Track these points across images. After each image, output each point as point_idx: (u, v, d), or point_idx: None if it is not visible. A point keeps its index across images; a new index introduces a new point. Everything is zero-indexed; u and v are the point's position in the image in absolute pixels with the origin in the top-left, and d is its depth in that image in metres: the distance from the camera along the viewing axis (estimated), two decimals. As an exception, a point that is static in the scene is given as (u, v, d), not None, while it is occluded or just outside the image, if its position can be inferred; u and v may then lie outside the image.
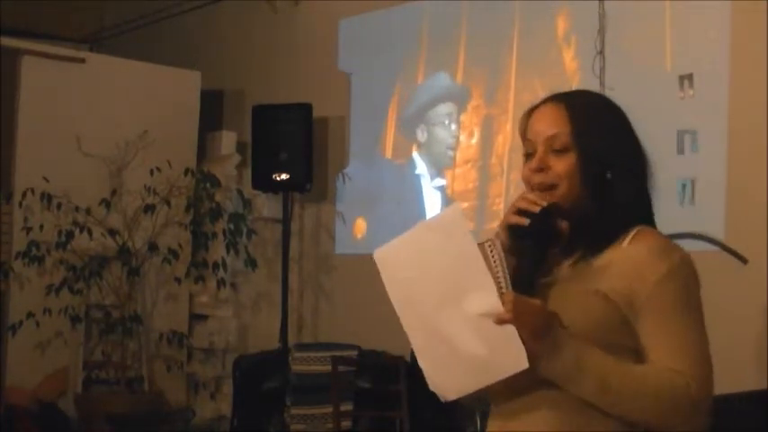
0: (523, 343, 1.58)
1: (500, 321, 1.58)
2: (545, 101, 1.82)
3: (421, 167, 5.53)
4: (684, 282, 1.71)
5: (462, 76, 5.34)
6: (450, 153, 5.41)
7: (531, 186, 1.77)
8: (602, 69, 4.51)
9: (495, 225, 5.63)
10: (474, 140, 5.23)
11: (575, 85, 4.54)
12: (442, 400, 1.71)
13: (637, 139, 1.82)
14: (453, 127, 5.40)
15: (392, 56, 5.69)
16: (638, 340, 1.70)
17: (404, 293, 1.69)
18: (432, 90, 5.51)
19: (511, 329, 1.58)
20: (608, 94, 4.59)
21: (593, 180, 1.74)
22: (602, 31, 4.54)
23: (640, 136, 1.82)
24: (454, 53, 5.34)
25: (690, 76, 4.25)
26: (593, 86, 4.41)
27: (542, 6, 4.89)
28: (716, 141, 4.14)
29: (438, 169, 5.47)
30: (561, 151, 1.75)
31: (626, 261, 1.70)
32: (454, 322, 1.63)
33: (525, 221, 1.70)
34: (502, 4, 5.11)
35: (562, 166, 1.74)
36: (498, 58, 5.10)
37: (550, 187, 1.74)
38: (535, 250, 1.73)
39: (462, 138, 5.30)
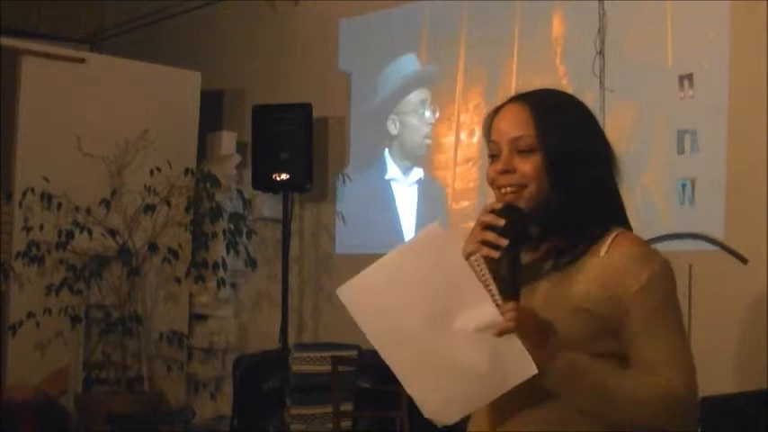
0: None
1: (502, 331, 1.58)
2: (509, 101, 1.81)
3: (392, 169, 5.55)
4: (665, 288, 1.71)
5: (462, 76, 5.34)
6: (427, 141, 5.43)
7: (498, 187, 1.77)
8: (602, 69, 4.51)
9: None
10: (474, 139, 5.24)
11: (575, 85, 4.54)
12: (442, 424, 1.69)
13: (603, 136, 1.81)
14: (427, 114, 5.42)
15: (392, 56, 5.69)
16: (622, 346, 1.71)
17: (382, 324, 1.66)
18: (399, 77, 5.53)
19: (512, 339, 1.58)
20: (608, 94, 4.60)
21: (560, 180, 1.73)
22: (602, 31, 4.54)
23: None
24: (454, 53, 5.34)
25: (690, 76, 4.25)
26: (593, 86, 4.42)
27: (542, 7, 4.89)
28: (716, 141, 4.14)
29: (413, 161, 5.48)
30: (526, 152, 1.74)
31: (605, 270, 1.70)
32: (447, 343, 1.61)
33: (496, 254, 1.66)
34: (502, 4, 5.11)
35: (528, 166, 1.73)
36: (498, 59, 5.10)
37: (519, 187, 1.73)
38: (513, 264, 1.68)
39: (463, 136, 5.31)
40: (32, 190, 5.64)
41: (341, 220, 5.85)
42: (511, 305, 1.60)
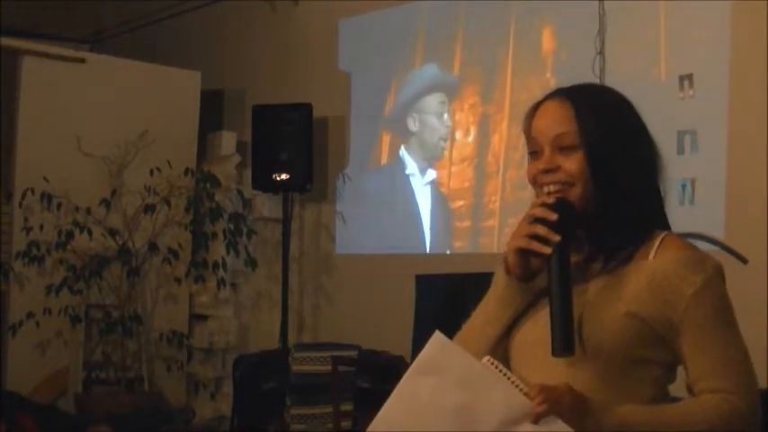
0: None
1: (538, 417, 1.51)
2: (549, 97, 1.75)
3: (411, 166, 5.54)
4: (720, 292, 1.67)
5: (459, 75, 5.34)
6: (443, 144, 5.42)
7: (540, 185, 1.72)
8: (602, 69, 4.51)
9: (490, 223, 5.55)
10: (470, 138, 5.23)
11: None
12: None
13: (647, 135, 1.76)
14: (445, 117, 5.40)
15: (391, 56, 5.69)
16: (671, 355, 1.66)
17: None
18: (421, 80, 5.52)
19: (551, 421, 1.51)
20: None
21: (603, 179, 1.68)
22: (601, 32, 4.54)
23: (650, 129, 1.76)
24: (451, 52, 5.35)
25: (690, 76, 4.25)
26: (593, 86, 4.40)
27: (540, 6, 4.89)
28: (716, 141, 4.14)
29: (429, 162, 5.47)
30: (569, 149, 1.69)
31: (656, 274, 1.65)
32: None
33: (547, 250, 1.62)
34: (499, 4, 5.11)
35: (572, 164, 1.68)
36: (495, 58, 5.10)
37: (565, 185, 1.68)
38: (564, 261, 1.63)
39: (458, 135, 5.31)
40: (32, 190, 5.63)
41: (341, 220, 5.86)
42: (537, 387, 1.53)
